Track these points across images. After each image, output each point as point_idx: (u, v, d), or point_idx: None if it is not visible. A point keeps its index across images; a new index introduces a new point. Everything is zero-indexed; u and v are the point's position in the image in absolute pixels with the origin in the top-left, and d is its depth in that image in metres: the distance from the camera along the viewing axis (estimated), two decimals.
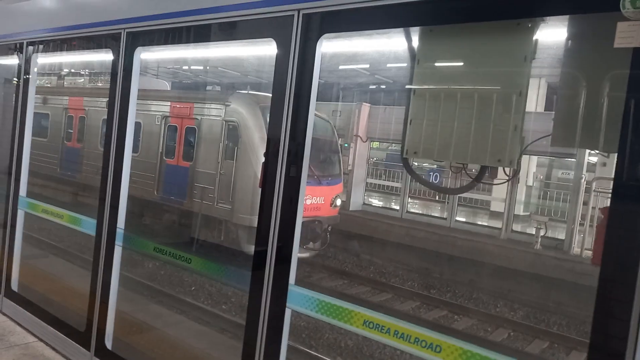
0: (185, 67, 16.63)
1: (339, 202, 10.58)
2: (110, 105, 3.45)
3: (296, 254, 2.44)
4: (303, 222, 9.56)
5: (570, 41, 1.88)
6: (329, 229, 10.34)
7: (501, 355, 1.78)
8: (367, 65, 12.07)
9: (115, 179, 3.40)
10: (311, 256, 10.27)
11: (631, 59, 1.60)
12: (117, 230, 3.35)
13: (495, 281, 9.94)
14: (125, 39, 3.40)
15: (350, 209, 13.05)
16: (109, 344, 3.40)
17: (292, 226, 2.43)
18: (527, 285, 9.65)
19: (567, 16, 1.93)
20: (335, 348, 6.98)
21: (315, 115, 9.60)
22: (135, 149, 11.44)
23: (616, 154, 1.62)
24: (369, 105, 12.91)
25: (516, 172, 2.19)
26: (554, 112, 1.99)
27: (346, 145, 13.15)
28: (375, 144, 17.59)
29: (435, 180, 15.22)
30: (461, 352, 1.88)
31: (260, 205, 2.56)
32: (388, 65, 11.09)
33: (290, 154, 2.48)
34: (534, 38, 1.95)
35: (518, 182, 11.55)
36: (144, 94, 11.28)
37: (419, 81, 2.20)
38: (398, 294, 9.54)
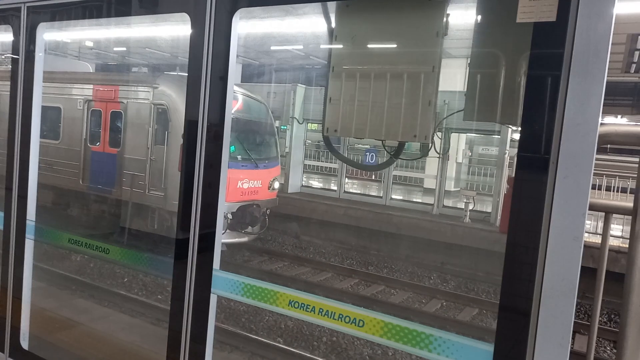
0: (111, 48, 15.70)
1: (276, 185, 10.53)
2: (13, 89, 3.16)
3: (219, 238, 2.37)
4: (241, 207, 9.39)
5: (479, 17, 1.92)
6: (268, 212, 10.28)
7: (418, 324, 1.84)
8: (301, 47, 11.97)
9: (22, 167, 3.14)
10: (250, 240, 10.19)
11: (532, 33, 1.65)
12: (27, 222, 3.11)
13: (429, 255, 10.37)
14: (26, 14, 3.11)
15: (289, 191, 13.04)
16: (25, 344, 3.18)
17: (214, 211, 2.35)
18: (458, 256, 10.15)
19: None
20: (275, 330, 7.01)
21: (250, 97, 9.36)
22: (56, 135, 10.75)
23: (519, 128, 1.68)
24: (304, 86, 12.84)
25: (430, 148, 2.24)
26: (465, 89, 2.04)
27: (283, 127, 13.04)
28: (313, 126, 17.61)
29: (372, 159, 15.50)
30: (382, 325, 1.92)
31: (180, 190, 2.46)
32: (322, 46, 11.06)
33: (209, 136, 2.38)
34: (446, 14, 1.98)
35: (448, 159, 12.03)
36: (63, 77, 10.54)
37: (336, 58, 2.18)
38: (338, 272, 9.72)
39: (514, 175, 1.73)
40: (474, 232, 10.35)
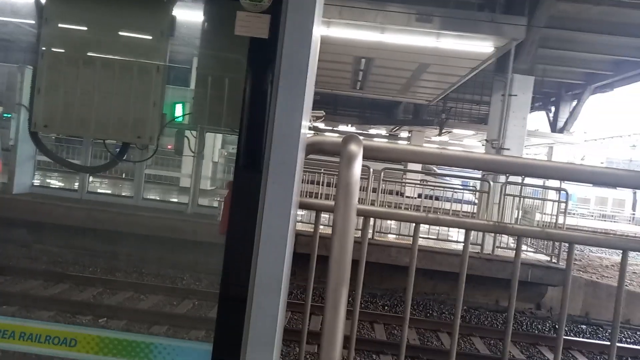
0: None
1: None
2: None
3: None
4: None
5: (204, 22, 1.96)
6: None
7: (135, 334, 1.76)
8: (32, 21, 10.20)
9: None
10: None
11: (248, 47, 1.76)
12: None
13: (183, 255, 10.21)
14: None
15: (15, 192, 10.97)
16: None
17: None
18: (211, 255, 10.27)
19: None
20: None
21: None
22: None
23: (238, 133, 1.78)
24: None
25: (155, 150, 2.13)
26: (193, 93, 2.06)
27: (6, 115, 10.86)
28: None
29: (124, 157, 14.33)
30: (98, 341, 1.77)
31: None
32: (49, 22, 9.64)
33: None
34: (172, 15, 1.95)
35: (203, 158, 12.10)
36: None
37: (47, 43, 1.91)
38: (77, 282, 8.68)
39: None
40: None
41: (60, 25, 1.91)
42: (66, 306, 7.50)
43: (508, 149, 12.31)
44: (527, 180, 11.79)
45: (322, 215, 2.56)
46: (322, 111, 20.42)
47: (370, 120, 25.88)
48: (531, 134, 20.07)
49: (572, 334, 9.29)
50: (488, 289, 10.10)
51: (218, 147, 15.76)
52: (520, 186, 11.81)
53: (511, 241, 11.48)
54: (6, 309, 7.19)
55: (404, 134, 29.47)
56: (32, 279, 8.53)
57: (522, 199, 12.06)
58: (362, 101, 24.27)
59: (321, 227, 2.46)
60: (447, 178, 20.23)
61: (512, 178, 11.33)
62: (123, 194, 13.64)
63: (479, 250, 9.99)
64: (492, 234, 9.77)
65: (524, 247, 2.20)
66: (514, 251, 2.20)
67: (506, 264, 9.72)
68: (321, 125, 25.87)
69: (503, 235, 10.28)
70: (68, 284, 8.51)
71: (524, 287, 9.55)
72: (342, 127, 27.30)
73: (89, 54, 1.92)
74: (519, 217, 12.39)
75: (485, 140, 13.67)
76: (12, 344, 1.78)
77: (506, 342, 2.13)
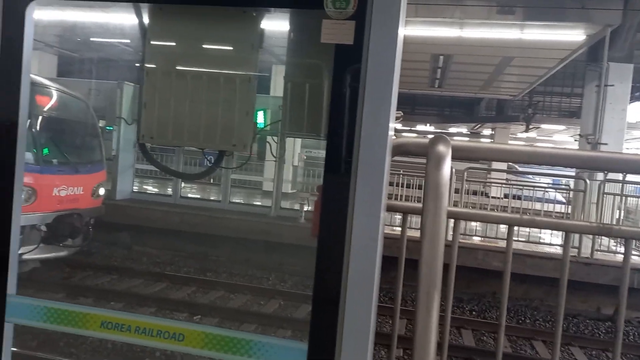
0: None
1: (102, 191, 9.61)
2: None
3: (15, 258, 2.07)
4: (59, 217, 8.29)
5: (290, 32, 2.03)
6: (92, 222, 9.32)
7: (237, 332, 1.86)
8: (129, 41, 11.16)
9: None
10: (71, 254, 9.11)
11: (334, 53, 1.81)
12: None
13: (267, 256, 10.59)
14: None
15: (117, 197, 12.03)
16: None
17: (6, 225, 2.05)
18: (294, 256, 10.56)
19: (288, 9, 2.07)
20: (101, 350, 6.40)
21: (67, 93, 8.31)
22: None
23: (326, 139, 1.82)
24: (133, 84, 11.96)
25: (249, 157, 2.26)
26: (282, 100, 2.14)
27: (108, 128, 11.94)
28: None
29: (211, 163, 15.15)
30: (203, 336, 1.89)
31: None
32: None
33: None
34: (260, 27, 2.04)
35: (284, 163, 12.46)
36: None
37: (151, 61, 2.09)
38: (173, 281, 9.31)
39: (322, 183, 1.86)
40: (309, 232, 10.88)
41: (162, 43, 2.08)
42: (165, 303, 8.06)
43: (605, 144, 11.35)
44: (630, 177, 10.78)
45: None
46: (400, 111, 20.13)
47: (450, 119, 25.08)
48: (632, 126, 18.32)
49: None
50: (587, 295, 9.34)
51: (297, 151, 16.06)
52: (621, 184, 10.83)
53: (612, 244, 10.55)
54: (114, 305, 7.88)
55: (486, 132, 28.22)
56: (134, 278, 9.29)
57: (623, 197, 11.04)
58: (441, 99, 23.58)
59: (398, 228, 2.44)
60: (532, 176, 19.08)
61: (611, 175, 10.41)
62: (211, 198, 14.46)
63: (576, 253, 9.29)
64: (591, 236, 9.04)
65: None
66: (617, 254, 2.04)
67: (607, 268, 8.94)
68: (399, 126, 25.53)
69: (602, 237, 9.49)
70: (165, 283, 9.15)
71: (631, 294, 8.69)
72: (420, 127, 26.73)
73: (187, 68, 2.08)
74: (621, 217, 11.35)
75: (579, 135, 12.69)
76: (128, 337, 1.97)
77: (616, 353, 1.97)
